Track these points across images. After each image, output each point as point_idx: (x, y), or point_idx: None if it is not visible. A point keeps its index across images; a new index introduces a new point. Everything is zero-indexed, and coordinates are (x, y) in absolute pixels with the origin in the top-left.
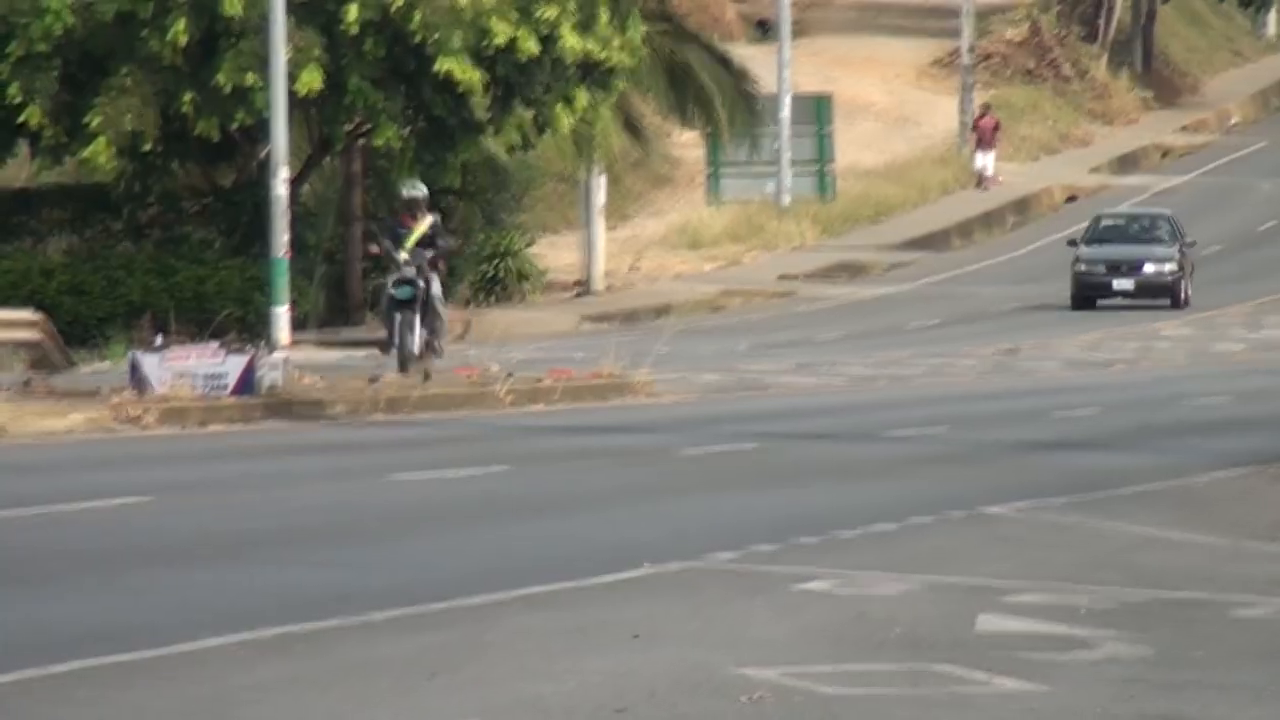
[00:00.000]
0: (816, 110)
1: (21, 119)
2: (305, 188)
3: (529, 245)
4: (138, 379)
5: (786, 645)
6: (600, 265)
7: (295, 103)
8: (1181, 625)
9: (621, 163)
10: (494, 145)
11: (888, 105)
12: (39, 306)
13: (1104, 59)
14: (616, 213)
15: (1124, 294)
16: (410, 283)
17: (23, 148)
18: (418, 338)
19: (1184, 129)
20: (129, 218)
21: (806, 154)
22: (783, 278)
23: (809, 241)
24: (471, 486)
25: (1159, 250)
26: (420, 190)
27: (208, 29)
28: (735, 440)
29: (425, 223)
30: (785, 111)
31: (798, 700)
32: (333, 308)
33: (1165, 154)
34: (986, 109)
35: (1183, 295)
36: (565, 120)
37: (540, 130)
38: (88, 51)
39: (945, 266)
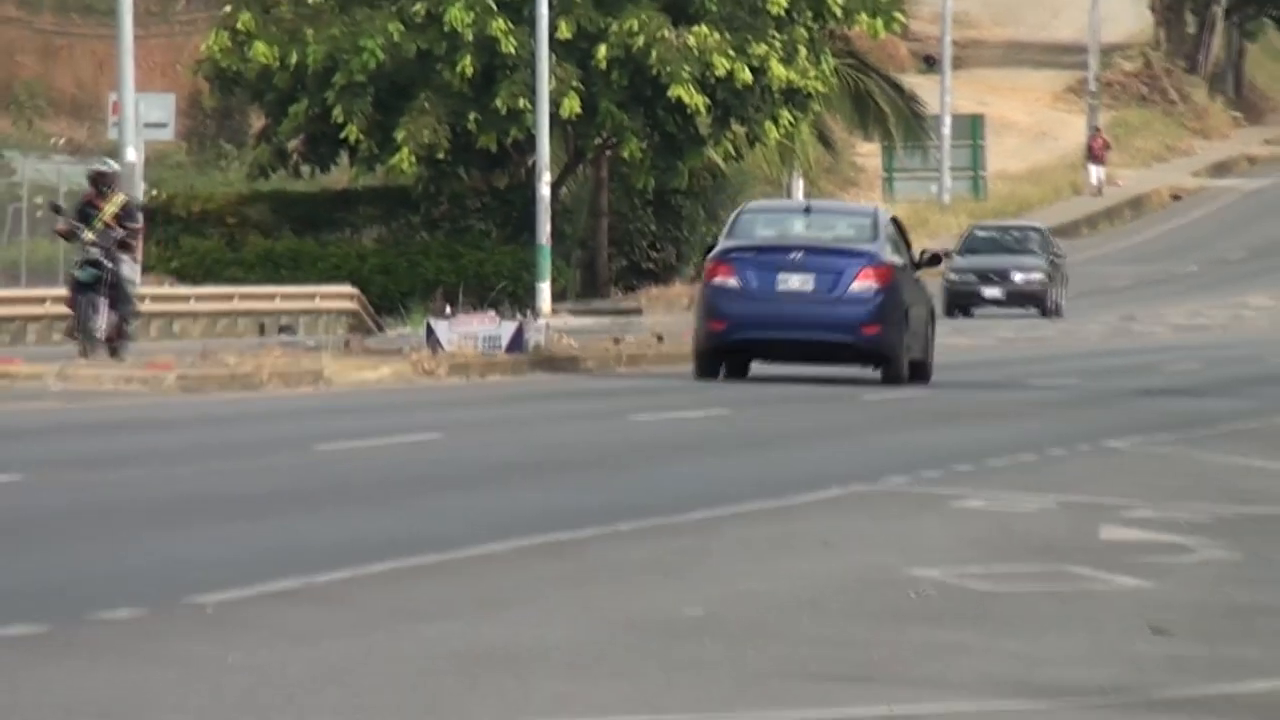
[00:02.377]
0: (971, 128)
1: (343, 135)
2: (563, 189)
3: None
4: (432, 340)
5: (947, 551)
6: None
7: (556, 122)
8: (1266, 535)
9: (816, 169)
10: (714, 155)
11: (1029, 124)
12: (356, 284)
13: (1203, 87)
14: None
15: (995, 302)
16: (95, 264)
17: (344, 157)
18: (103, 321)
19: (1267, 142)
20: (425, 213)
21: (963, 162)
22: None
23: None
24: (696, 426)
25: (1028, 260)
26: (109, 167)
27: (488, 63)
28: (905, 388)
29: (115, 202)
30: (946, 129)
31: (956, 595)
32: (585, 284)
33: (1253, 162)
34: (1097, 131)
35: (1050, 304)
36: (772, 135)
37: (751, 143)
38: (394, 81)
39: (1075, 251)
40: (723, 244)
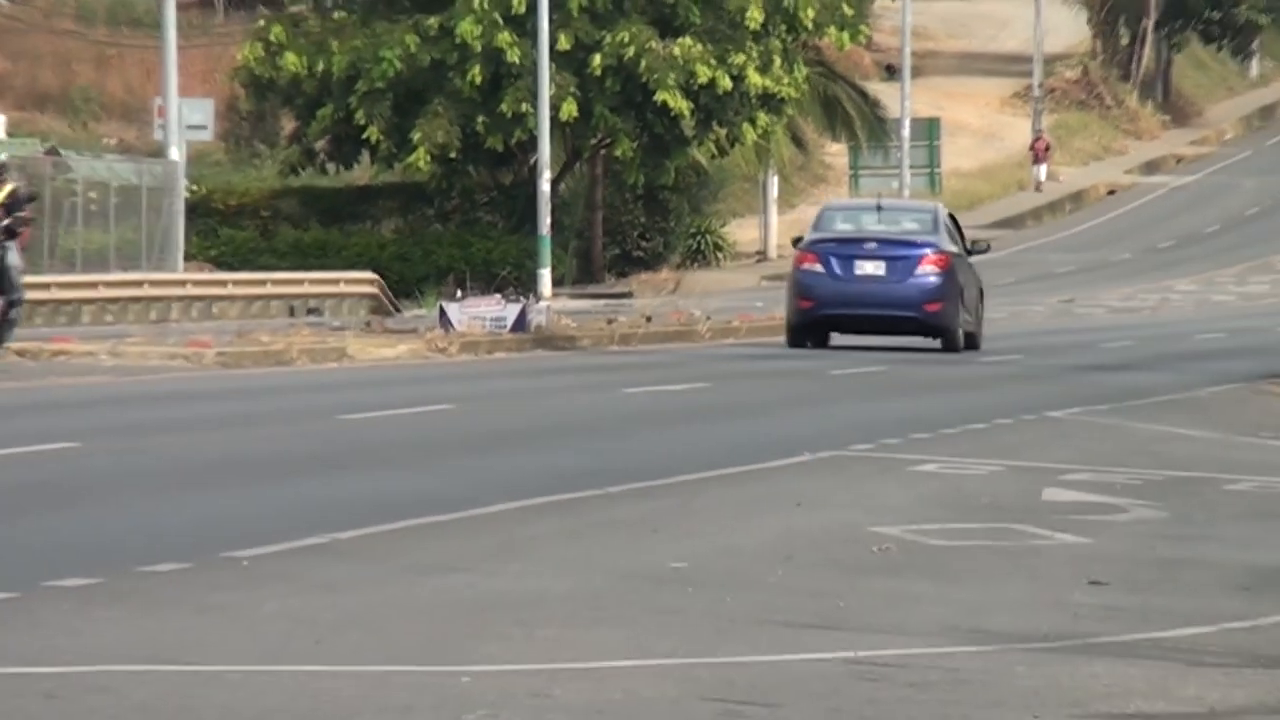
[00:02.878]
0: (928, 130)
1: (365, 136)
2: (562, 185)
3: (722, 226)
4: (444, 321)
5: (906, 510)
6: (774, 239)
7: (556, 124)
8: (1189, 495)
9: (789, 167)
10: (698, 154)
11: (980, 126)
12: (376, 270)
13: (1135, 93)
14: (785, 202)
15: None
16: None
17: (365, 156)
18: None
19: (1192, 143)
20: (439, 206)
21: (921, 161)
22: None
23: None
24: (681, 398)
25: None
26: None
27: (495, 72)
28: (868, 364)
29: (3, 191)
30: (906, 130)
31: (914, 550)
32: (581, 270)
33: (1179, 160)
34: (1039, 134)
35: None
36: (749, 136)
37: (731, 143)
38: (410, 87)
39: (1021, 241)
40: (809, 236)
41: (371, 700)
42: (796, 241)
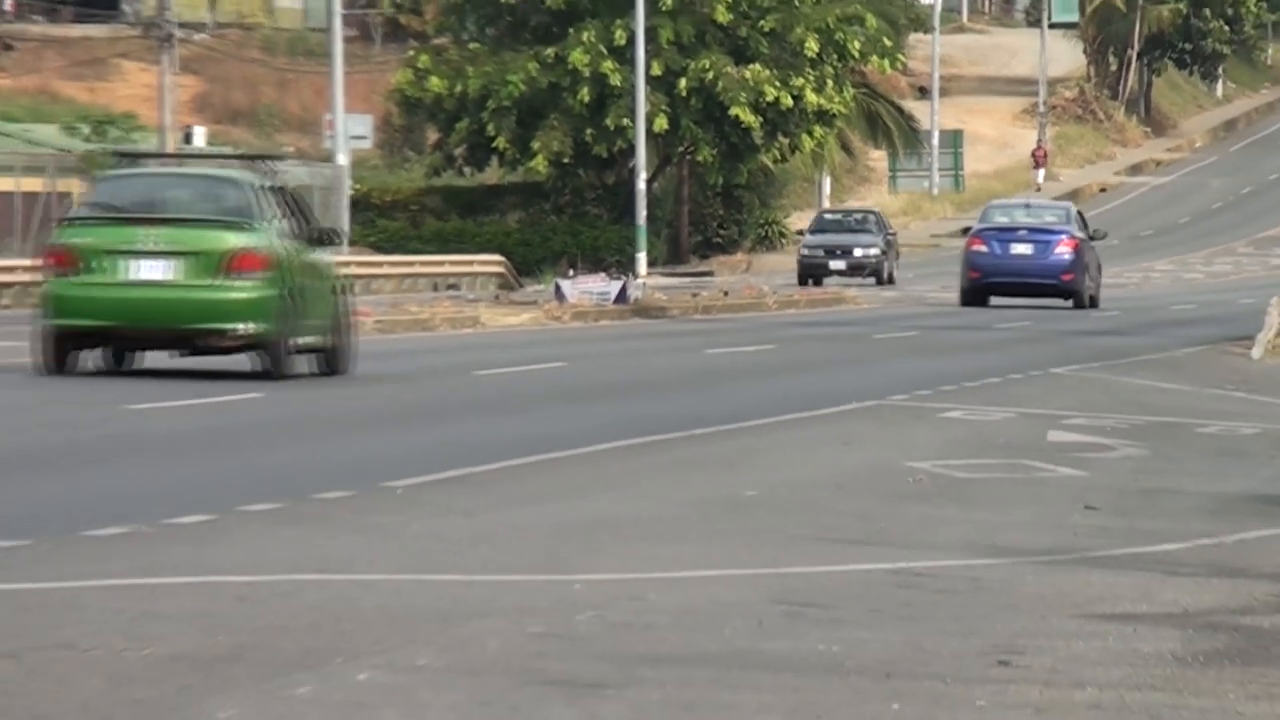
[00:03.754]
0: (953, 140)
1: (494, 144)
2: (655, 184)
3: (786, 217)
4: (559, 295)
5: (935, 448)
6: None
7: (650, 135)
8: (1167, 437)
9: (839, 170)
10: (766, 159)
11: (995, 136)
12: (503, 253)
13: (1122, 109)
14: (836, 199)
15: (839, 272)
16: None
17: (495, 161)
18: None
19: (1168, 150)
20: (554, 202)
21: (947, 165)
22: (933, 236)
23: (948, 215)
24: (751, 358)
25: (865, 238)
26: None
27: (600, 93)
28: (904, 330)
29: None
30: (935, 140)
31: (942, 480)
32: (671, 253)
33: (1158, 164)
34: (1039, 144)
35: (886, 273)
36: (807, 144)
37: (792, 150)
38: (531, 105)
39: None
40: (976, 227)
41: (498, 603)
42: (965, 231)
